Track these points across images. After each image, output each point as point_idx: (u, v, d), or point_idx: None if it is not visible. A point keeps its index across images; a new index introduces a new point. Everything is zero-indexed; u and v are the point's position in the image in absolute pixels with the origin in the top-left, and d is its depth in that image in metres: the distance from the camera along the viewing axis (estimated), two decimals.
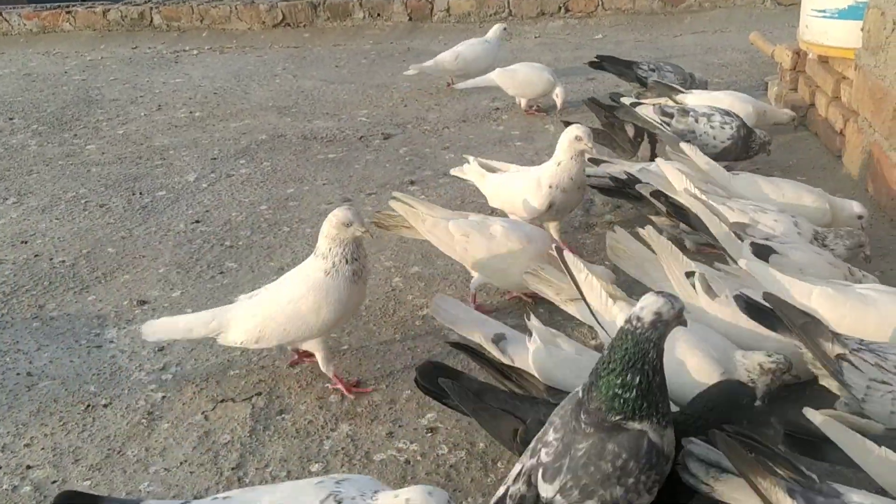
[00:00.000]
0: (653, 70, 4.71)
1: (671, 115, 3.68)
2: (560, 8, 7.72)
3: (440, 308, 2.49)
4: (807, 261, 2.45)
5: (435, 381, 2.10)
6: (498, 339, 2.31)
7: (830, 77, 4.07)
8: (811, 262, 2.45)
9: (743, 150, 3.59)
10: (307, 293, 2.37)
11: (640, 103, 3.89)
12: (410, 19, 7.89)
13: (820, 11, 4.05)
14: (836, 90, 4.00)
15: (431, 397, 2.20)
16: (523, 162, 4.26)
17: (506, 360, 2.27)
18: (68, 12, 8.16)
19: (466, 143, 4.64)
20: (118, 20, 8.11)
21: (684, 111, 3.70)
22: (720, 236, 2.61)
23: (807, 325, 1.97)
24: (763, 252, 2.45)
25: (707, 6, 7.57)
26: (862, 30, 3.59)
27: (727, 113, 3.66)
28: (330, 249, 2.37)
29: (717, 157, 3.39)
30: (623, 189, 3.24)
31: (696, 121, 3.63)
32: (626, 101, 3.96)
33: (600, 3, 7.64)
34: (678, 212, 2.81)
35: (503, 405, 1.99)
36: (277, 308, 2.40)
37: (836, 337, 1.94)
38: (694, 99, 4.05)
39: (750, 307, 2.12)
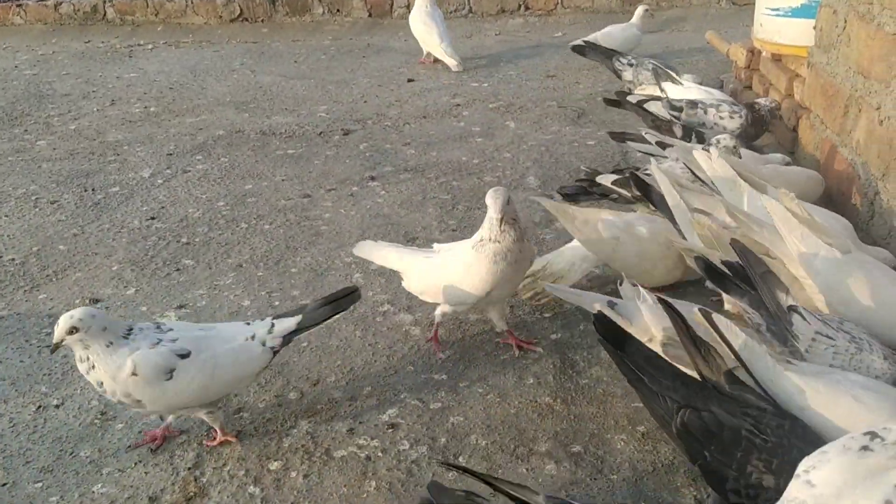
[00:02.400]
0: (631, 65, 4.75)
1: (680, 110, 3.72)
2: (520, 6, 7.74)
3: (554, 289, 2.53)
4: None
5: (611, 330, 2.00)
6: (612, 305, 2.29)
7: (784, 75, 4.14)
8: None
9: (758, 130, 3.72)
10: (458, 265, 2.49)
11: (647, 100, 3.93)
12: (370, 15, 7.84)
13: (774, 10, 4.12)
14: (789, 88, 4.07)
15: (604, 345, 2.01)
16: (483, 158, 4.28)
17: (624, 323, 2.21)
18: (19, 6, 7.95)
19: (427, 139, 4.62)
20: (70, 14, 7.91)
21: (692, 104, 3.74)
22: (678, 217, 2.64)
23: (766, 275, 2.05)
24: None
25: (664, 5, 7.66)
26: (814, 28, 3.66)
27: (733, 102, 3.74)
28: (484, 225, 2.42)
29: None
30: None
31: (706, 112, 3.68)
32: (633, 98, 3.99)
33: (560, 1, 7.68)
34: (642, 188, 2.82)
35: (666, 383, 1.87)
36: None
37: (790, 291, 2.03)
38: (681, 90, 4.14)
39: (709, 270, 2.16)
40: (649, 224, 2.77)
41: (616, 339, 1.96)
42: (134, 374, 2.02)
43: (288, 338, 2.23)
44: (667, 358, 1.99)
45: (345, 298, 2.34)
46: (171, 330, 2.12)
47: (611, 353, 1.99)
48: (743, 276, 2.12)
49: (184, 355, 2.07)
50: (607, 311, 2.20)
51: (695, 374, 1.91)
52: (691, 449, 1.78)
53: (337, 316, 2.32)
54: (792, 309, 1.98)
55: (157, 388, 2.06)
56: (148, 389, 2.05)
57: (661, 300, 2.09)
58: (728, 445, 1.72)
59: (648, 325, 2.16)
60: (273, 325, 2.23)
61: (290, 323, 2.24)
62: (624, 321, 2.21)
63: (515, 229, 2.38)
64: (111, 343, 2.02)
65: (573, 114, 4.89)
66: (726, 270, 2.14)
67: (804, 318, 1.96)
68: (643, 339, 2.13)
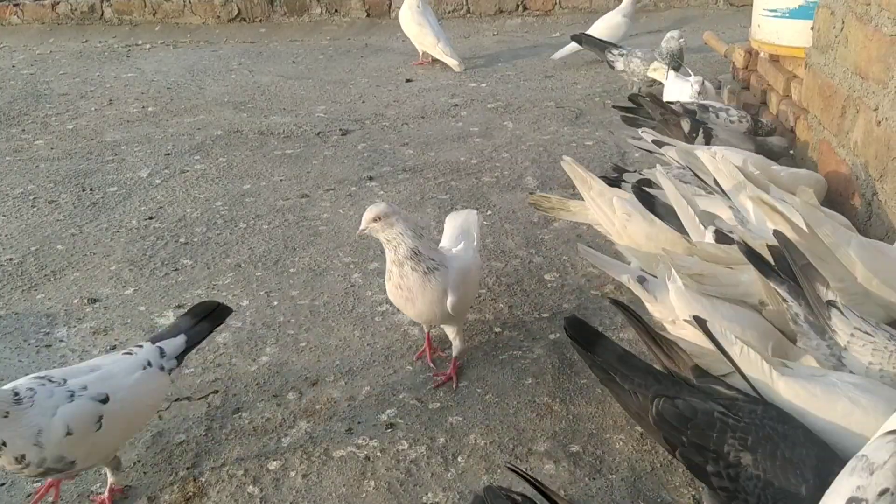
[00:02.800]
0: (622, 55, 4.81)
1: (693, 113, 3.74)
2: (518, 6, 7.74)
3: (587, 253, 2.51)
4: None
5: (582, 332, 2.03)
6: (641, 280, 2.31)
7: (781, 75, 4.14)
8: None
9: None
10: None
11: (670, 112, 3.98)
12: (368, 15, 7.84)
13: (771, 11, 4.13)
14: (786, 88, 4.07)
15: (576, 347, 2.04)
16: (482, 158, 4.28)
17: (649, 300, 2.27)
18: (16, 5, 7.93)
19: (426, 139, 4.62)
20: (68, 13, 7.90)
21: (704, 108, 3.77)
22: (685, 220, 2.63)
23: (806, 267, 2.05)
24: (723, 241, 2.50)
25: (662, 6, 7.67)
26: (812, 29, 3.67)
27: (736, 107, 3.82)
28: None
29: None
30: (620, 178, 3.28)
31: (717, 115, 3.71)
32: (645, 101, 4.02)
33: (558, 1, 7.69)
34: (643, 197, 2.81)
35: (638, 381, 1.90)
36: None
37: (830, 286, 2.03)
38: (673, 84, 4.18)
39: (750, 252, 2.16)
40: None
41: (587, 341, 1.99)
42: (69, 433, 1.85)
43: (180, 358, 2.18)
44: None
45: (216, 313, 2.32)
46: (66, 380, 1.93)
47: (581, 355, 2.03)
48: (784, 266, 2.12)
49: (103, 400, 1.93)
50: (633, 285, 2.25)
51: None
52: (669, 437, 1.80)
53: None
54: (831, 304, 1.98)
55: (89, 442, 1.91)
56: (82, 445, 1.89)
57: (615, 302, 2.13)
58: (703, 428, 1.75)
59: (673, 306, 2.18)
60: (162, 349, 2.14)
61: (179, 342, 2.18)
62: (649, 297, 2.25)
63: (393, 251, 2.34)
64: (7, 413, 1.79)
65: (571, 114, 4.90)
66: (769, 258, 2.14)
67: (843, 314, 1.96)
68: (665, 320, 2.18)
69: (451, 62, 5.93)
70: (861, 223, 3.00)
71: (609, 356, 1.96)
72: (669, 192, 2.64)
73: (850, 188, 3.16)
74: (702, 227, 2.56)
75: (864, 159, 3.04)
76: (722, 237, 2.51)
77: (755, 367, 1.85)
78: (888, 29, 2.84)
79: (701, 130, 3.63)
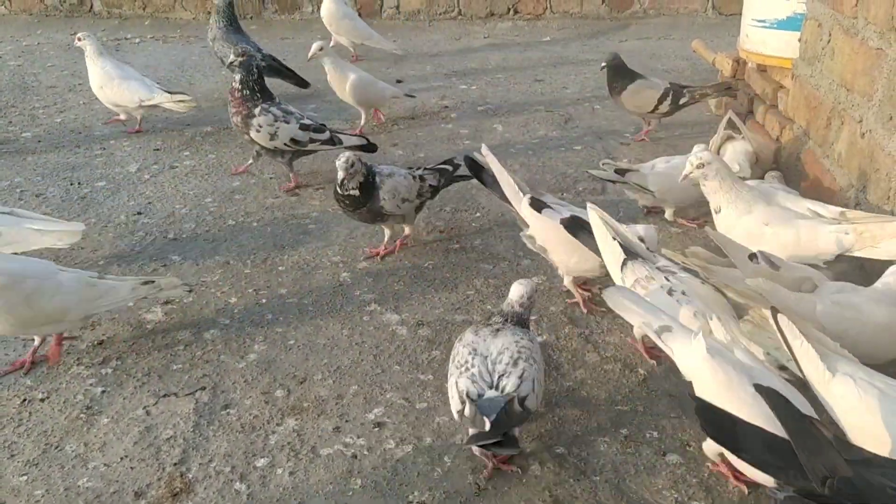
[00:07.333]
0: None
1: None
2: (509, 9, 7.77)
3: (614, 297, 2.30)
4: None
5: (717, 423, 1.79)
6: (661, 331, 2.13)
7: (768, 85, 4.20)
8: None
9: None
10: None
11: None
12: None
13: (759, 21, 4.18)
14: (773, 98, 4.13)
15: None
16: None
17: (666, 350, 2.13)
18: None
19: (415, 140, 4.64)
20: (56, 5, 7.85)
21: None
22: (507, 189, 2.91)
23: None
24: (537, 205, 2.79)
25: (652, 13, 7.72)
26: (799, 40, 3.72)
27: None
28: None
29: None
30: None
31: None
32: None
33: (549, 6, 7.72)
34: (475, 170, 3.12)
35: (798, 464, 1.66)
36: None
37: None
38: None
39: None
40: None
41: (723, 434, 1.79)
42: None
43: None
44: None
45: None
46: None
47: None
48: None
49: None
50: (653, 336, 2.16)
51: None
52: None
53: None
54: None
55: None
56: None
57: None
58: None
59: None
60: None
61: None
62: (667, 348, 2.14)
63: None
64: None
65: (560, 118, 4.93)
66: None
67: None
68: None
69: (389, 46, 6.25)
70: None
71: (754, 447, 1.74)
72: (496, 170, 2.94)
73: (834, 198, 3.21)
74: (521, 194, 2.86)
75: (847, 170, 3.09)
76: (534, 202, 2.79)
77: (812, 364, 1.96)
78: (874, 42, 2.89)
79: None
